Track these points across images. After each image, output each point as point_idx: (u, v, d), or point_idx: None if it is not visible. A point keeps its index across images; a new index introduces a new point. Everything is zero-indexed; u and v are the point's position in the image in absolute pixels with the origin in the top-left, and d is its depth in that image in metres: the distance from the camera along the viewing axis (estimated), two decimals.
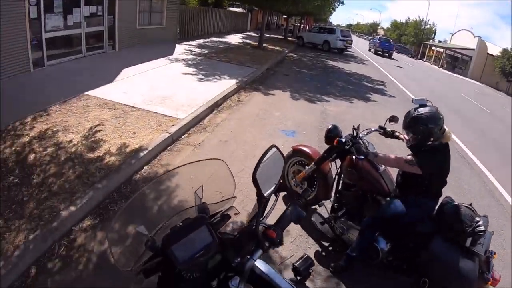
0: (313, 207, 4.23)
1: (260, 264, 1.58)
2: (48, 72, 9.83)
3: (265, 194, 1.55)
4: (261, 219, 1.63)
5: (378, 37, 51.81)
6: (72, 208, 4.05)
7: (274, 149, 1.65)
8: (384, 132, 3.85)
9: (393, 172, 3.62)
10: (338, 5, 29.46)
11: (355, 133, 3.59)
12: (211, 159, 1.84)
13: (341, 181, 3.85)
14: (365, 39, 76.00)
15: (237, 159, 5.61)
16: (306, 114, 8.60)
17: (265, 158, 1.56)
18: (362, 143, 3.50)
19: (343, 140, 3.47)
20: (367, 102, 10.90)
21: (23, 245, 3.51)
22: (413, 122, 3.02)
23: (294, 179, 4.40)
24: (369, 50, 42.17)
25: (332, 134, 3.64)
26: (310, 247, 3.89)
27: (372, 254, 3.27)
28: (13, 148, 5.33)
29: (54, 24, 10.39)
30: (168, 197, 2.01)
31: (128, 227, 1.63)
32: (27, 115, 6.57)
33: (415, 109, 3.09)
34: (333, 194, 4.04)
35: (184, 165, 1.78)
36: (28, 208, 4.07)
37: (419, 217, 3.13)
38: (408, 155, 3.10)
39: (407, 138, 3.22)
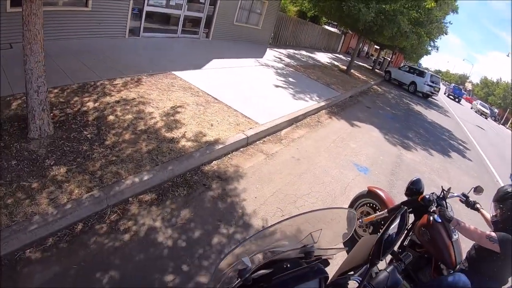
0: None
1: None
2: (141, 42, 10.23)
3: (382, 258, 1.53)
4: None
5: (453, 84, 59.08)
6: (135, 180, 3.99)
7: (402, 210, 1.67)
8: (466, 201, 3.50)
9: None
10: (432, 50, 27.97)
11: (442, 195, 3.35)
12: (336, 208, 1.81)
13: (408, 238, 3.56)
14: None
15: (306, 181, 5.28)
16: (382, 153, 8.05)
17: (395, 221, 1.59)
18: (447, 206, 3.28)
19: (429, 198, 3.27)
20: (444, 158, 10.04)
21: (77, 200, 3.49)
22: (506, 198, 2.86)
23: (360, 220, 4.10)
24: (444, 93, 46.27)
25: (415, 187, 3.46)
26: None
27: None
28: (96, 104, 5.44)
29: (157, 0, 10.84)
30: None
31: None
32: (115, 77, 6.75)
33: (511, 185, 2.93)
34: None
35: (309, 212, 1.63)
36: (92, 166, 4.07)
37: None
38: (490, 231, 2.89)
39: (494, 213, 2.99)
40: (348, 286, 1.71)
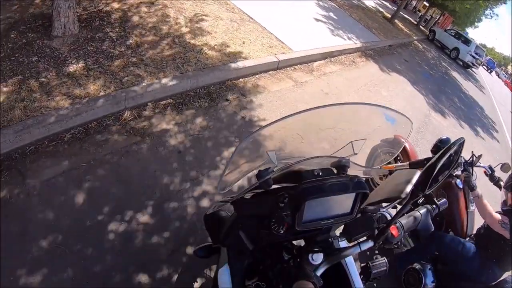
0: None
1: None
2: None
3: (427, 192, 1.29)
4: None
5: (489, 57, 56.15)
6: (156, 85, 3.84)
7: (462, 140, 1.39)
8: (491, 175, 3.30)
9: None
10: (487, 17, 25.77)
11: (470, 160, 3.18)
12: (402, 114, 1.45)
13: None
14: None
15: (330, 116, 5.04)
16: (411, 109, 7.68)
17: (450, 151, 1.30)
18: (473, 173, 3.11)
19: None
20: (471, 131, 9.57)
21: (94, 99, 3.40)
22: None
23: (379, 166, 3.94)
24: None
25: (443, 145, 3.17)
26: None
27: (410, 279, 2.91)
28: (123, 6, 5.16)
29: None
30: (318, 131, 1.57)
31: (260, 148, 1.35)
32: None
33: None
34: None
35: (362, 104, 1.44)
36: (113, 66, 3.93)
37: (483, 279, 2.76)
38: (502, 215, 2.79)
39: (505, 199, 2.85)
40: (374, 218, 1.43)
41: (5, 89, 3.23)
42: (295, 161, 1.24)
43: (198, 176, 3.17)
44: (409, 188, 1.32)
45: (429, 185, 1.28)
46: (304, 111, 1.17)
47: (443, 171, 1.37)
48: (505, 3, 21.83)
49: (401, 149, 3.88)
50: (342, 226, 1.35)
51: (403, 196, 1.32)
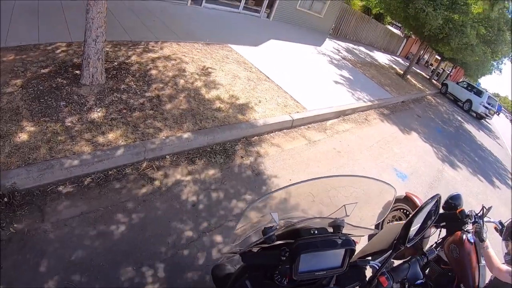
0: None
1: None
2: (202, 12, 10.30)
3: (408, 245, 1.47)
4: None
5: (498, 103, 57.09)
6: (174, 139, 4.04)
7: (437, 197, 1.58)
8: (501, 230, 3.24)
9: None
10: (494, 70, 26.02)
11: (481, 213, 3.14)
12: (386, 183, 1.62)
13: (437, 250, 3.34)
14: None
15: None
16: (424, 164, 7.69)
17: (426, 207, 1.50)
18: (483, 226, 3.08)
19: (468, 213, 3.09)
20: (486, 184, 9.42)
21: (116, 148, 3.58)
22: None
23: (389, 223, 3.94)
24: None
25: (454, 202, 3.26)
26: None
27: None
28: (148, 62, 5.53)
29: None
30: (313, 198, 1.70)
31: (264, 209, 1.52)
32: (172, 40, 6.85)
33: None
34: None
35: (354, 176, 1.65)
36: (137, 118, 4.17)
37: None
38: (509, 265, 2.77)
39: (506, 251, 2.87)
40: (366, 270, 1.66)
41: (32, 128, 3.46)
42: (296, 221, 1.48)
43: (210, 229, 3.26)
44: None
45: (409, 239, 1.47)
46: (307, 180, 1.43)
47: (424, 226, 1.58)
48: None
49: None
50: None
51: (388, 248, 1.55)
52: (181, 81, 5.35)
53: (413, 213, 1.51)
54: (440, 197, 1.63)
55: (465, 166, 9.74)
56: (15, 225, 2.67)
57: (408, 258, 1.90)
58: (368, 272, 1.66)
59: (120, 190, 3.30)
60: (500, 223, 3.28)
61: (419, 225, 1.55)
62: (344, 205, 1.55)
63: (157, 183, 3.54)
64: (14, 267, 2.39)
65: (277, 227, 1.36)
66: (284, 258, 1.35)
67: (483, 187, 8.83)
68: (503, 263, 2.78)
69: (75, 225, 2.84)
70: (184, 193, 3.56)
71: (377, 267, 1.59)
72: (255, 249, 1.51)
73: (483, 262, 3.00)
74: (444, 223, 3.23)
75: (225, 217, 3.48)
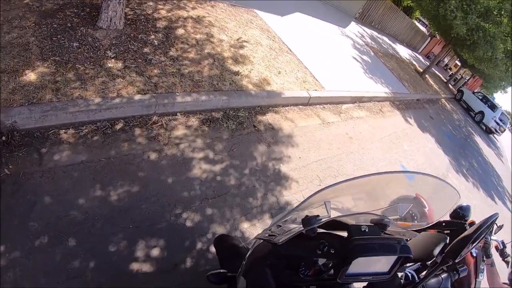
0: None
1: None
2: None
3: (457, 260, 1.36)
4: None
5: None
6: (189, 97, 3.88)
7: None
8: (502, 251, 3.16)
9: None
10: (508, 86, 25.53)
11: (491, 229, 3.01)
12: (451, 186, 1.52)
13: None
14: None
15: (352, 161, 5.04)
16: (430, 166, 7.61)
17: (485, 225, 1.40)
18: (490, 243, 3.02)
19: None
20: (486, 199, 9.39)
21: (126, 98, 3.43)
22: None
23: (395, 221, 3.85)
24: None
25: (462, 212, 3.14)
26: None
27: None
28: (169, 14, 5.29)
29: None
30: (371, 191, 1.54)
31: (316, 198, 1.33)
32: None
33: None
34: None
35: (417, 173, 1.50)
36: (151, 71, 3.98)
37: None
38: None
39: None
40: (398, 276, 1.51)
41: (40, 67, 3.27)
42: (345, 214, 1.34)
43: (212, 198, 3.16)
44: (437, 252, 1.42)
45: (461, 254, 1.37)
46: (366, 175, 1.28)
47: (474, 242, 1.45)
48: None
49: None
50: None
51: (431, 260, 1.42)
52: (201, 38, 5.13)
53: (473, 229, 1.39)
54: (497, 217, 1.51)
55: (469, 177, 9.67)
56: (10, 167, 2.53)
57: (436, 270, 1.80)
58: None
59: (124, 143, 3.16)
60: (502, 243, 3.20)
61: (476, 242, 1.43)
62: (398, 204, 1.39)
63: (164, 140, 3.41)
64: (3, 210, 2.27)
65: (323, 218, 1.21)
66: (320, 252, 1.22)
67: (483, 202, 8.79)
68: (504, 283, 2.73)
69: (73, 173, 2.71)
70: (191, 155, 3.43)
71: (413, 276, 1.49)
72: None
73: (480, 277, 2.96)
74: (449, 231, 3.16)
75: (229, 187, 3.37)
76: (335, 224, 1.31)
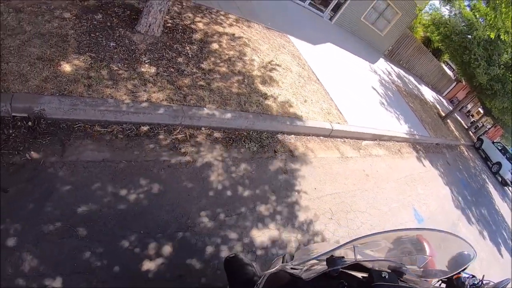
0: None
1: None
2: None
3: None
4: None
5: None
6: (216, 113, 3.96)
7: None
8: None
9: None
10: None
11: (480, 284, 3.00)
12: (467, 242, 1.58)
13: None
14: None
15: (365, 199, 5.03)
16: (441, 212, 7.50)
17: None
18: None
19: (464, 281, 2.93)
20: (494, 252, 9.15)
21: (155, 104, 3.51)
22: None
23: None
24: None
25: (460, 260, 3.05)
26: None
27: None
28: (206, 28, 5.44)
29: None
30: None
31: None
32: (233, 13, 6.75)
33: None
34: None
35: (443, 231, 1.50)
36: (181, 81, 4.09)
37: None
38: None
39: None
40: None
41: (76, 60, 3.38)
42: (368, 259, 1.40)
43: (225, 216, 3.19)
44: None
45: None
46: (398, 230, 1.40)
47: None
48: None
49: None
50: None
51: None
52: (233, 56, 5.28)
53: None
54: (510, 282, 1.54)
55: (479, 227, 9.47)
56: (32, 153, 2.61)
57: None
58: None
59: (147, 148, 3.23)
60: None
61: None
62: (417, 255, 1.45)
63: (186, 152, 3.47)
64: (19, 195, 2.33)
65: (347, 261, 1.26)
66: None
67: (490, 255, 8.58)
68: None
69: (93, 170, 2.77)
70: (211, 171, 3.49)
71: None
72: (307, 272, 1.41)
73: None
74: (445, 279, 3.12)
75: (242, 208, 3.39)
76: (354, 264, 1.34)
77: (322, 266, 1.33)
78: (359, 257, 1.32)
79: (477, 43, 12.15)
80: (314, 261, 1.44)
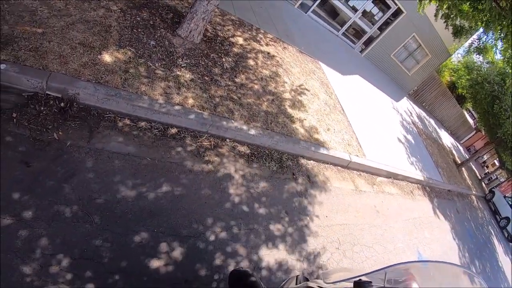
0: None
1: None
2: (304, 19, 10.45)
3: None
4: None
5: None
6: (243, 127, 4.10)
7: None
8: None
9: None
10: None
11: None
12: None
13: None
14: None
15: (373, 235, 5.07)
16: (444, 258, 7.42)
17: None
18: None
19: None
20: None
21: (186, 109, 3.64)
22: None
23: None
24: None
25: None
26: None
27: None
28: (244, 43, 5.62)
29: None
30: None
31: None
32: (271, 32, 6.95)
33: None
34: None
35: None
36: (215, 91, 4.23)
37: None
38: None
39: None
40: None
41: (116, 52, 3.52)
42: (397, 286, 1.48)
43: (238, 230, 3.28)
44: None
45: None
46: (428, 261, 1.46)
47: None
48: None
49: None
50: None
51: None
52: (266, 74, 5.46)
53: None
54: None
55: (480, 280, 9.34)
56: (60, 133, 2.69)
57: None
58: None
59: (172, 150, 3.34)
60: None
61: None
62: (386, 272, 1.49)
63: (209, 160, 3.58)
64: (41, 171, 2.40)
65: (374, 285, 1.34)
66: None
67: None
68: None
69: (117, 162, 2.85)
70: (230, 183, 3.60)
71: None
72: None
73: None
74: None
75: (255, 224, 3.48)
76: None
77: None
78: (387, 284, 1.41)
79: (510, 94, 12.13)
80: (345, 283, 1.52)
